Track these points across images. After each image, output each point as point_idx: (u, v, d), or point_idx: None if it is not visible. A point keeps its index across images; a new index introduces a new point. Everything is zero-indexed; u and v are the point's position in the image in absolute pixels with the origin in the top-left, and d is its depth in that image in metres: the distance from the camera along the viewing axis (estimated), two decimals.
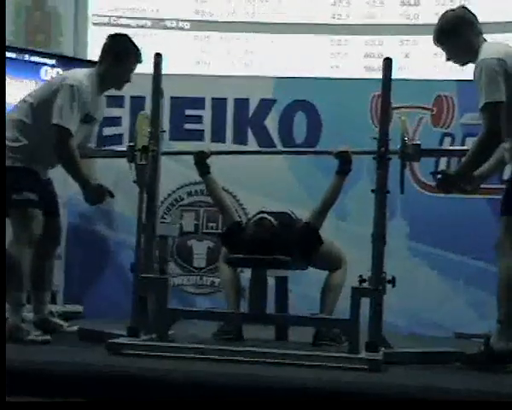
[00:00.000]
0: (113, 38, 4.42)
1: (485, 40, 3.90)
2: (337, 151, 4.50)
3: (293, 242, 4.41)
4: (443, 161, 5.68)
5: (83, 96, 4.17)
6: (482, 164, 3.88)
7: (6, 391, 2.84)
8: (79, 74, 4.28)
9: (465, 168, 3.89)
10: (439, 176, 3.96)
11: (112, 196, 4.31)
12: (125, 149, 4.20)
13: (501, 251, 3.77)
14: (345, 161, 4.49)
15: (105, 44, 4.39)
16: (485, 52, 3.79)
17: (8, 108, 4.47)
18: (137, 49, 4.34)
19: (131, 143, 4.10)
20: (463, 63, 3.99)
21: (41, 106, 4.22)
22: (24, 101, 4.32)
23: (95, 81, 4.29)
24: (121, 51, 4.31)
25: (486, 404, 2.93)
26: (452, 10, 4.02)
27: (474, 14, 3.97)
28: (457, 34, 3.90)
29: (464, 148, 4.09)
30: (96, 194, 4.25)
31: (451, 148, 3.93)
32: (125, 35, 4.47)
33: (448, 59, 4.01)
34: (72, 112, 4.13)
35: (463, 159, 3.92)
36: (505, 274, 3.73)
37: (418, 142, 4.05)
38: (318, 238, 4.49)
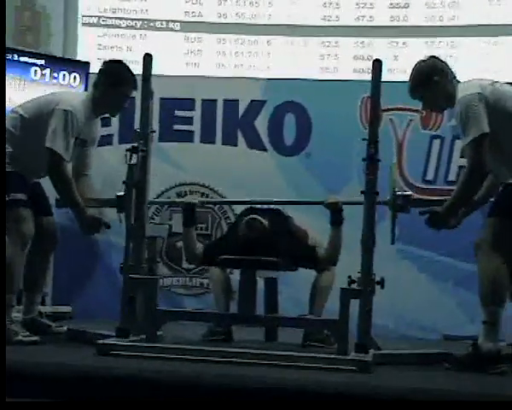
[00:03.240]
0: (109, 65, 4.39)
1: (458, 82, 3.95)
2: (327, 202, 4.50)
3: (289, 249, 4.43)
4: (432, 164, 5.71)
5: (76, 122, 4.15)
6: (469, 200, 3.91)
7: None
8: (73, 99, 4.26)
9: (453, 205, 3.91)
10: (428, 214, 3.98)
11: (107, 227, 4.27)
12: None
13: (482, 251, 3.80)
14: (335, 213, 4.49)
15: (101, 70, 4.36)
16: (462, 91, 3.85)
17: None
18: (133, 77, 4.30)
19: (120, 193, 4.07)
20: (442, 110, 4.05)
21: (33, 122, 4.21)
22: (14, 112, 4.31)
23: (89, 106, 4.27)
24: (117, 78, 4.28)
25: (474, 405, 2.93)
26: (423, 61, 4.04)
27: (444, 62, 4.01)
28: (432, 84, 3.94)
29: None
30: (90, 225, 4.24)
31: (441, 198, 3.98)
32: (121, 61, 4.43)
33: (425, 108, 4.07)
34: (65, 137, 4.11)
35: (451, 195, 3.94)
36: (487, 275, 3.76)
37: (409, 192, 4.07)
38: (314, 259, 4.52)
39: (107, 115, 4.52)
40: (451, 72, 3.98)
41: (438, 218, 3.93)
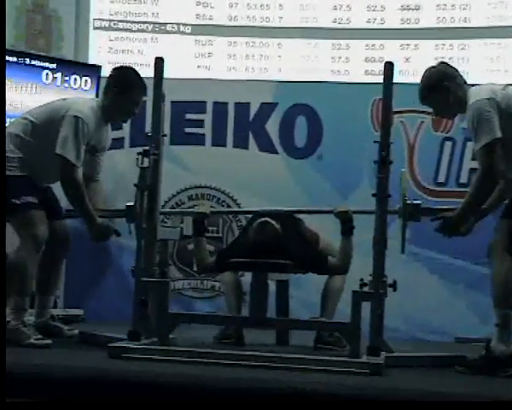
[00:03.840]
0: (118, 71, 4.40)
1: (469, 87, 3.94)
2: (337, 211, 4.50)
3: (300, 252, 4.42)
4: (443, 166, 5.70)
5: (86, 128, 4.15)
6: (481, 205, 3.90)
7: (6, 395, 2.84)
8: (84, 105, 4.26)
9: (464, 211, 3.90)
10: (440, 221, 3.97)
11: (118, 234, 4.29)
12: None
13: (495, 253, 3.79)
14: (345, 221, 4.48)
15: (110, 76, 4.38)
16: (474, 96, 3.84)
17: (15, 113, 4.47)
18: (142, 82, 4.30)
19: (130, 203, 4.07)
20: (453, 116, 4.05)
21: (43, 128, 4.21)
22: (24, 118, 4.31)
23: (99, 113, 4.27)
24: (126, 85, 4.28)
25: (487, 408, 2.93)
26: (433, 67, 4.04)
27: (454, 68, 4.01)
28: (442, 90, 3.93)
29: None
30: (100, 233, 4.24)
31: (451, 207, 3.99)
32: (130, 67, 4.45)
33: (436, 114, 4.07)
34: (76, 144, 4.11)
35: (462, 201, 3.93)
36: (500, 277, 3.75)
37: (418, 201, 4.07)
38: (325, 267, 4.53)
39: None
40: (461, 77, 3.97)
41: (450, 224, 3.92)
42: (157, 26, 6.49)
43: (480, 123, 3.74)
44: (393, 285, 3.83)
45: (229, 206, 5.94)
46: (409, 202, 3.99)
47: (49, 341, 4.05)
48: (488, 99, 3.78)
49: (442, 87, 3.93)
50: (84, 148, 4.17)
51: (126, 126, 5.75)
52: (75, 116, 4.14)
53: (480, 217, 4.04)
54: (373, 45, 6.28)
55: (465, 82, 3.97)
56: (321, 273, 4.59)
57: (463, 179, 5.66)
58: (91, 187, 4.35)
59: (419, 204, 4.06)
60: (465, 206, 3.88)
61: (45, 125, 4.21)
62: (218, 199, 5.89)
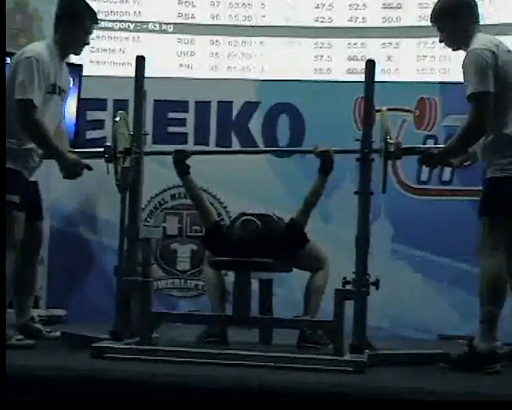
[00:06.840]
0: (65, 2, 4.32)
1: (480, 31, 3.90)
2: (317, 151, 4.51)
3: (278, 240, 4.42)
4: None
5: (44, 67, 4.05)
6: (465, 150, 3.92)
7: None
8: (37, 46, 4.18)
9: (448, 152, 3.94)
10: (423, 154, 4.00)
11: (89, 169, 4.18)
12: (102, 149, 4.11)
13: (481, 251, 3.79)
14: (326, 160, 4.49)
15: (58, 10, 4.29)
16: (478, 42, 3.80)
17: None
18: (91, 10, 4.26)
19: (109, 144, 4.06)
20: (455, 48, 3.99)
21: (6, 91, 4.06)
22: None
23: (53, 49, 4.18)
24: (75, 15, 4.21)
25: (470, 405, 2.93)
26: None
27: (474, 1, 3.96)
28: (454, 16, 3.88)
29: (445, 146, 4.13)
30: (72, 167, 4.13)
31: (433, 146, 3.96)
32: None
33: (441, 40, 4.01)
34: (33, 83, 3.99)
35: (448, 142, 3.94)
36: (486, 275, 3.75)
37: (399, 139, 4.06)
38: (303, 235, 4.50)
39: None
40: (477, 14, 3.92)
41: (431, 158, 3.95)
42: (139, 24, 6.46)
43: (475, 71, 3.69)
44: (376, 283, 3.83)
45: (211, 204, 5.93)
46: (390, 141, 3.96)
47: (31, 341, 4.03)
48: (489, 51, 3.74)
49: (455, 14, 3.88)
50: (43, 87, 4.05)
51: (108, 126, 5.73)
52: (28, 57, 4.04)
53: (466, 160, 4.10)
54: (355, 44, 6.28)
55: (478, 21, 3.91)
56: (302, 245, 4.55)
57: (446, 177, 5.68)
58: (54, 134, 4.20)
59: (400, 142, 4.04)
60: (448, 148, 3.92)
61: (6, 86, 4.07)
62: None
